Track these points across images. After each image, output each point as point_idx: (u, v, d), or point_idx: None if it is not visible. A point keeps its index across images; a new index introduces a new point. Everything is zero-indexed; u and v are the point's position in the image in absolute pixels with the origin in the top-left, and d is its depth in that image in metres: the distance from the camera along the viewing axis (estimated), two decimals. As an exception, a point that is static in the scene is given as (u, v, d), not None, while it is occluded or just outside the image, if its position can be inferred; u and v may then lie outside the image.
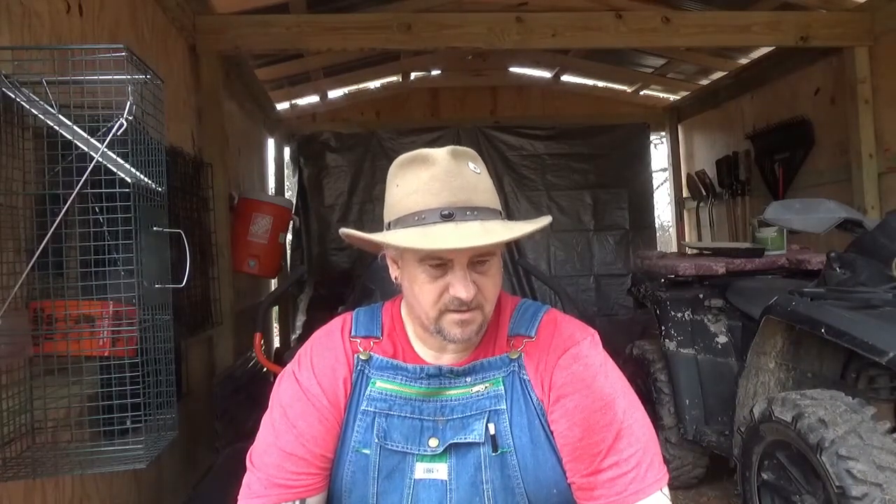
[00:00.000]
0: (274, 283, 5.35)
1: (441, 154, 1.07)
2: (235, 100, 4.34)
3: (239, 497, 1.10)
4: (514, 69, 6.16)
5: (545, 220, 1.08)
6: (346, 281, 5.02)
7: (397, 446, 1.11)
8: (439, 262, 1.03)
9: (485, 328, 1.12)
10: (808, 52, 4.11)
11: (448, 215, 1.01)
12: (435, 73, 6.18)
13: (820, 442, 1.88)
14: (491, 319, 1.17)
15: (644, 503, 1.04)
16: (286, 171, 6.13)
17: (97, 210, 1.58)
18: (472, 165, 1.07)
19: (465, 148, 1.10)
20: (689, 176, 5.97)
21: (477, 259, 1.04)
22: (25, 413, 1.57)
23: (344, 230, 1.09)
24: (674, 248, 6.79)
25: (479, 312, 1.07)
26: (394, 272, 1.14)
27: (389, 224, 1.08)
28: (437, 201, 1.03)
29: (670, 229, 7.31)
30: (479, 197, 1.05)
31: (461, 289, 1.02)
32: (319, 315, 4.70)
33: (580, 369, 1.11)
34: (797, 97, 4.54)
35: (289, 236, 5.37)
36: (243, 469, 1.13)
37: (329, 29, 3.63)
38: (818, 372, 2.40)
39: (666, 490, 1.07)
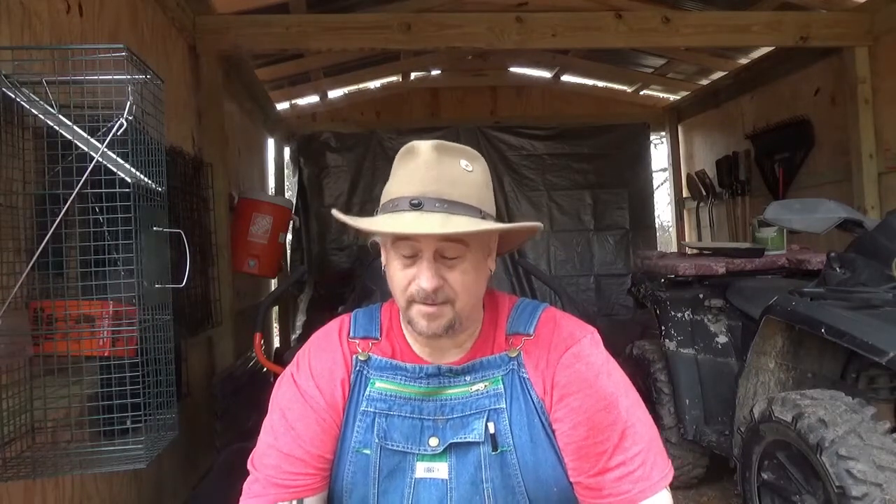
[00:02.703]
0: (274, 283, 5.35)
1: (425, 146, 1.07)
2: (235, 100, 4.34)
3: (241, 499, 1.11)
4: (514, 69, 6.16)
5: (526, 223, 1.09)
6: (346, 281, 5.02)
7: (398, 446, 1.11)
8: (410, 252, 1.04)
9: (467, 327, 1.12)
10: (808, 52, 4.11)
11: (416, 204, 1.02)
12: (435, 73, 6.18)
13: (820, 442, 1.88)
14: (488, 318, 1.17)
15: (651, 501, 1.05)
16: (286, 171, 6.13)
17: (97, 210, 1.58)
18: (463, 163, 1.07)
19: (459, 145, 1.10)
20: (689, 176, 5.97)
21: (447, 254, 1.04)
22: (25, 413, 1.57)
23: (335, 212, 1.10)
24: (674, 248, 6.79)
25: (448, 307, 1.06)
26: (383, 260, 1.15)
27: (376, 212, 1.11)
28: (410, 190, 1.04)
29: (670, 229, 7.32)
30: (457, 191, 1.04)
31: (424, 279, 1.03)
32: (319, 315, 4.70)
33: (582, 368, 1.11)
34: (797, 97, 4.54)
35: (289, 236, 5.37)
36: (243, 469, 1.14)
37: (329, 29, 3.63)
38: (818, 372, 2.40)
39: (668, 487, 1.08)
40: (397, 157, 1.11)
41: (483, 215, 1.07)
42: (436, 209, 1.02)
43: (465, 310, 1.09)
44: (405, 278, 1.06)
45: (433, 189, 1.03)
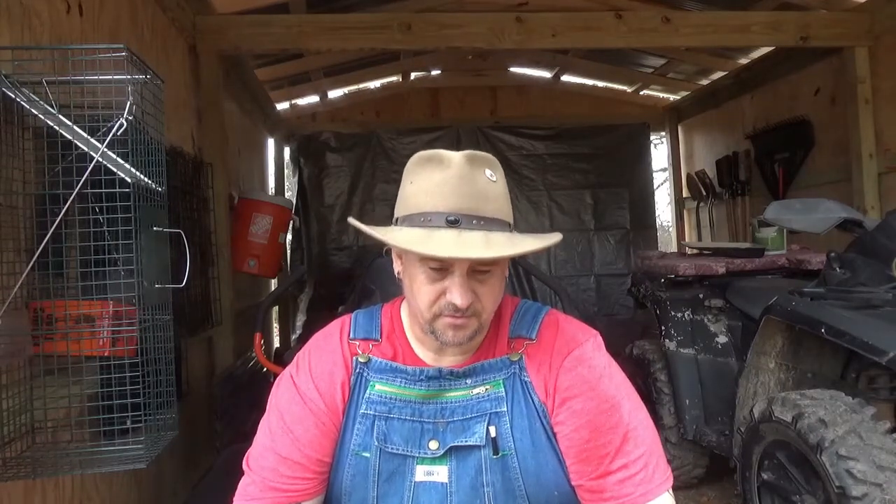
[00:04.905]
0: (274, 283, 5.35)
1: (457, 158, 1.05)
2: (235, 100, 4.33)
3: (234, 500, 1.10)
4: (514, 69, 6.16)
5: (553, 238, 1.07)
6: (346, 281, 5.02)
7: (397, 449, 1.10)
8: (440, 266, 1.03)
9: (481, 333, 1.12)
10: (808, 52, 4.11)
11: (454, 221, 1.00)
12: (435, 73, 6.18)
13: (820, 442, 1.88)
14: (492, 321, 1.16)
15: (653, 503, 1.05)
16: (286, 171, 6.13)
17: (97, 210, 1.58)
18: (488, 172, 1.05)
19: (484, 154, 1.08)
20: (689, 176, 5.97)
21: (478, 268, 1.03)
22: (25, 413, 1.57)
23: (352, 220, 1.09)
24: (674, 248, 6.79)
25: (474, 319, 1.06)
26: (397, 267, 1.14)
27: (397, 220, 1.08)
28: (444, 205, 1.02)
29: (670, 229, 7.31)
30: (489, 206, 1.03)
31: (457, 295, 1.02)
32: (319, 315, 4.70)
33: (585, 371, 1.11)
34: (797, 97, 4.54)
35: (289, 236, 5.37)
36: (242, 470, 1.13)
37: (329, 29, 3.62)
38: (818, 372, 2.40)
39: (671, 490, 1.08)
40: (417, 163, 1.08)
41: (511, 228, 1.07)
42: (474, 227, 1.01)
43: (488, 319, 1.10)
44: (433, 292, 1.04)
45: (469, 205, 1.02)
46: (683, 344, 3.01)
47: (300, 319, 5.81)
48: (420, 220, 1.03)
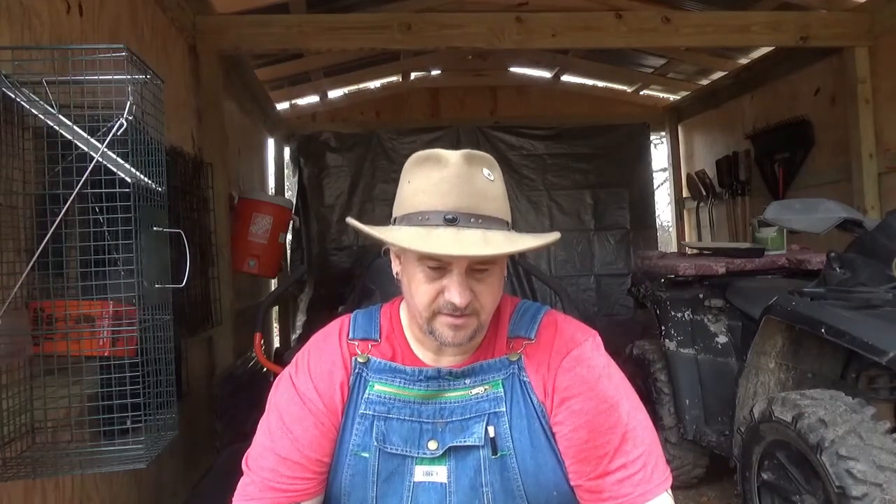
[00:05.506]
0: (274, 283, 5.35)
1: (455, 157, 1.05)
2: (235, 100, 4.34)
3: (234, 500, 1.10)
4: (514, 69, 6.16)
5: (551, 237, 1.07)
6: (346, 281, 5.01)
7: (396, 449, 1.10)
8: (438, 265, 1.03)
9: (480, 333, 1.12)
10: (808, 52, 4.11)
11: (451, 220, 1.00)
12: (435, 73, 6.18)
13: (820, 442, 1.88)
14: (491, 321, 1.16)
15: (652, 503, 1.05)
16: (286, 171, 6.13)
17: (97, 210, 1.58)
18: (486, 172, 1.06)
19: (481, 153, 1.09)
20: (689, 176, 5.97)
21: (476, 266, 1.03)
22: (25, 413, 1.57)
23: (350, 220, 1.09)
24: (674, 248, 6.79)
25: (473, 319, 1.06)
26: (395, 267, 1.14)
27: (395, 220, 1.08)
28: (442, 204, 1.02)
29: (670, 229, 7.32)
30: (487, 205, 1.03)
31: (456, 294, 1.02)
32: (319, 315, 4.70)
33: (584, 372, 1.11)
34: (797, 97, 4.54)
35: (289, 236, 5.37)
36: (242, 470, 1.13)
37: (329, 29, 3.63)
38: (818, 372, 2.40)
39: (669, 490, 1.08)
40: (415, 162, 1.08)
41: (509, 227, 1.07)
42: (472, 225, 1.01)
43: (487, 319, 1.09)
44: (432, 291, 1.04)
45: (467, 204, 1.02)
46: (683, 344, 3.01)
47: (300, 319, 5.81)
48: (418, 219, 1.03)
